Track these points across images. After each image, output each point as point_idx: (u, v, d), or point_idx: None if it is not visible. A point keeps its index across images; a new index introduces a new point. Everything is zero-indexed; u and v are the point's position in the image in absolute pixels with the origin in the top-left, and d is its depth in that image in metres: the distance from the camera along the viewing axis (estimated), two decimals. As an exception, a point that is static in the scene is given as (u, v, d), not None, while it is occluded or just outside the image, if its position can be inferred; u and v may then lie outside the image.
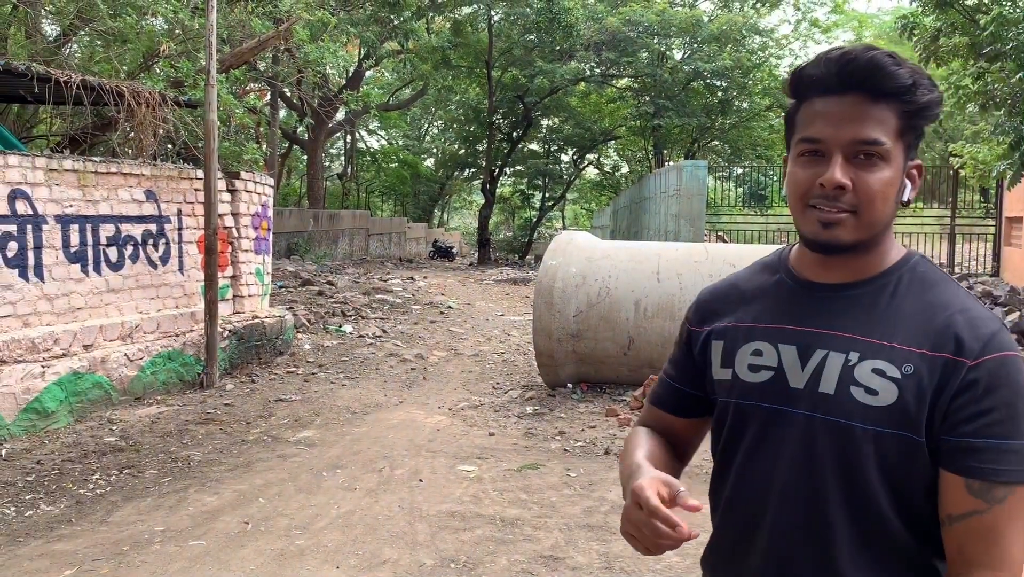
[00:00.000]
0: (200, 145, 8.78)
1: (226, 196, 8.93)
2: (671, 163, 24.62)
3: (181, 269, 8.34)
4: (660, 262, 7.50)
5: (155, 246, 7.99)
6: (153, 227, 7.96)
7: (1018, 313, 11.56)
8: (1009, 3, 11.84)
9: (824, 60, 1.30)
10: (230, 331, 8.66)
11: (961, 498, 1.23)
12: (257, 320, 9.16)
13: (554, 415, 7.24)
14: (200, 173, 8.36)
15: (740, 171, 28.76)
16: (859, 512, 1.29)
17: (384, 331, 11.38)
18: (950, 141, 30.12)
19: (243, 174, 9.19)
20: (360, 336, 10.87)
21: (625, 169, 43.27)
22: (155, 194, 7.96)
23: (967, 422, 1.22)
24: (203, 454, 6.15)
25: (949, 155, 27.98)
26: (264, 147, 11.89)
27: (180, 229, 8.32)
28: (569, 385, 7.88)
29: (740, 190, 29.73)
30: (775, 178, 27.75)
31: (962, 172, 17.77)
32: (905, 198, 1.33)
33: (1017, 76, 10.88)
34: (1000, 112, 11.03)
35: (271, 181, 10.02)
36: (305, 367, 9.21)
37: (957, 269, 18.20)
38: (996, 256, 17.62)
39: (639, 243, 8.69)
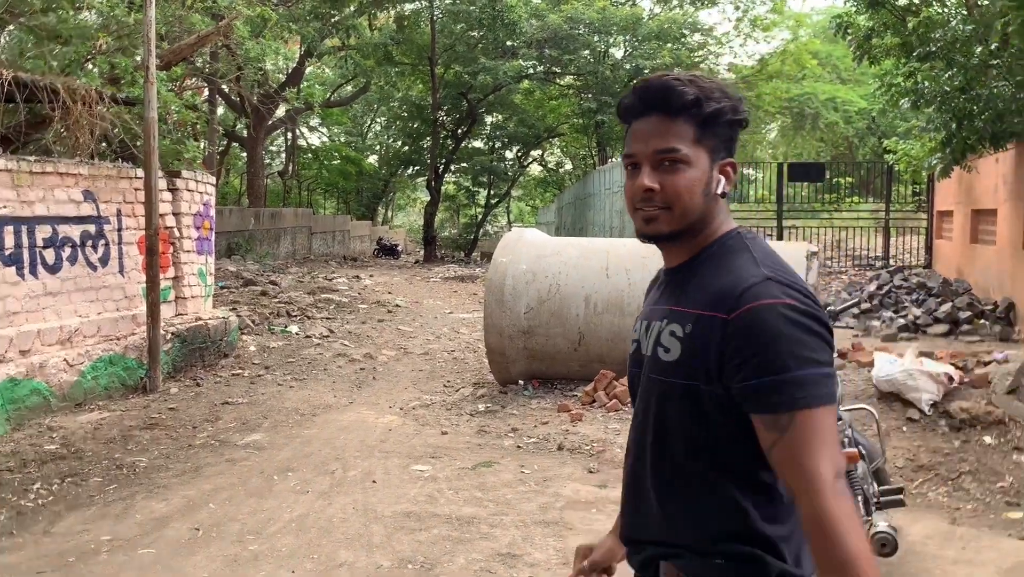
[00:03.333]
0: (139, 144, 8.57)
1: (167, 195, 8.74)
2: (615, 160, 24.82)
3: (121, 271, 8.13)
4: (609, 258, 7.55)
5: (94, 248, 7.78)
6: (92, 228, 7.74)
7: (951, 304, 11.94)
8: (937, 4, 12.22)
9: (633, 90, 1.58)
10: (173, 333, 8.48)
11: (763, 434, 1.39)
12: (200, 322, 8.98)
13: (506, 412, 7.25)
14: (140, 172, 8.16)
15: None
16: (663, 459, 1.52)
17: (331, 331, 11.25)
18: (883, 137, 30.97)
19: (184, 173, 8.99)
20: (307, 336, 10.73)
21: (569, 166, 43.50)
22: (93, 194, 7.74)
23: (738, 370, 1.39)
24: (149, 460, 6.01)
25: (884, 151, 28.81)
26: (204, 145, 11.64)
27: (120, 230, 8.11)
28: (521, 382, 7.90)
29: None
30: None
31: (896, 167, 18.30)
32: (720, 191, 1.54)
33: (946, 75, 11.24)
34: (931, 109, 11.36)
35: (212, 180, 9.83)
36: (251, 369, 9.06)
37: (892, 261, 18.73)
38: (928, 249, 18.17)
39: (588, 240, 8.75)
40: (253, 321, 11.27)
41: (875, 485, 3.94)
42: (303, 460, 6.00)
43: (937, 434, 5.63)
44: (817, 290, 7.19)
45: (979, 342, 10.44)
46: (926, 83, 11.99)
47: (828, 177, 20.33)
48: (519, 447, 6.29)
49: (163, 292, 8.51)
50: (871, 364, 6.46)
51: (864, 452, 3.83)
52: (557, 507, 5.00)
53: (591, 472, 5.65)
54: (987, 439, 5.45)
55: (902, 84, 13.15)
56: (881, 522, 3.53)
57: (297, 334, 10.86)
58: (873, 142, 32.14)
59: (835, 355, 1.51)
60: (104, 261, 7.90)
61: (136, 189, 8.25)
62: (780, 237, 18.54)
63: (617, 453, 5.99)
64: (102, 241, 7.87)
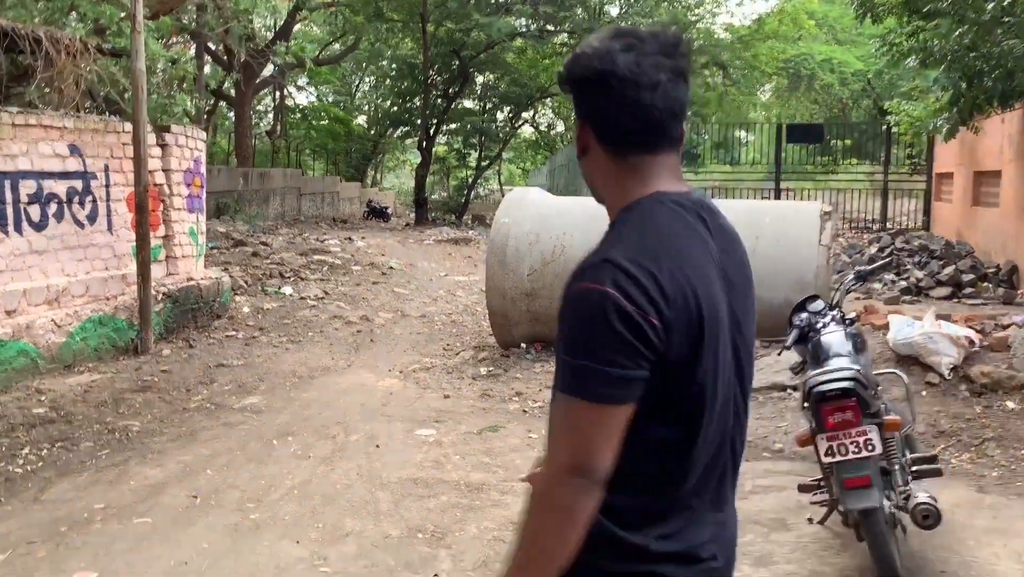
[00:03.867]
0: (127, 96, 8.24)
1: (156, 151, 8.43)
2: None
3: (110, 229, 7.85)
4: (615, 218, 7.32)
5: (81, 204, 7.49)
6: (79, 184, 7.44)
7: (953, 266, 11.79)
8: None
9: None
10: (164, 294, 8.22)
11: None
12: (192, 282, 8.72)
13: (510, 376, 7.06)
14: (128, 126, 7.84)
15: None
16: None
17: (326, 293, 11.01)
18: (879, 100, 30.67)
19: (174, 127, 8.67)
20: (301, 298, 10.49)
21: (561, 128, 42.99)
22: (79, 149, 7.43)
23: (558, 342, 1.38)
24: (142, 424, 5.80)
25: (881, 113, 28.50)
26: (193, 100, 11.29)
27: (108, 186, 7.81)
28: (523, 345, 7.71)
29: (674, 149, 29.73)
30: (707, 136, 27.85)
31: (895, 129, 18.05)
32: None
33: (955, 33, 10.96)
34: (940, 68, 11.09)
35: (203, 136, 9.51)
36: (245, 331, 8.83)
37: (889, 224, 18.57)
38: (927, 211, 18.01)
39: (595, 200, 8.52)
40: (246, 282, 11.01)
41: (907, 453, 3.78)
42: (303, 424, 5.81)
43: (958, 399, 5.48)
44: (832, 252, 7.00)
45: (982, 305, 10.31)
46: (935, 41, 11.73)
47: (826, 139, 20.04)
48: (524, 411, 6.11)
49: (153, 251, 8.23)
50: (886, 327, 6.29)
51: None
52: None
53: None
54: (1010, 404, 5.30)
55: (904, 43, 12.87)
56: (921, 493, 3.36)
57: (291, 296, 10.62)
58: (868, 104, 31.87)
59: (657, 342, 1.31)
60: (92, 218, 7.61)
61: (124, 144, 7.94)
62: (778, 198, 18.34)
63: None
64: (89, 198, 7.57)
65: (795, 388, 5.90)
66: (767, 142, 21.53)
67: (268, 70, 29.79)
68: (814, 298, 4.43)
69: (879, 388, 3.56)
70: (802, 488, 3.76)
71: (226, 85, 30.91)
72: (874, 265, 4.56)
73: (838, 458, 3.24)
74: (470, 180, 37.76)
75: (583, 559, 1.35)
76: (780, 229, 6.93)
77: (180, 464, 4.99)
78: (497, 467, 4.95)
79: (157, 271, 8.34)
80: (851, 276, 4.36)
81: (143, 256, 7.67)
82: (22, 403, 6.14)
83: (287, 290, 10.92)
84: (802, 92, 31.29)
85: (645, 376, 1.29)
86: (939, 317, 6.05)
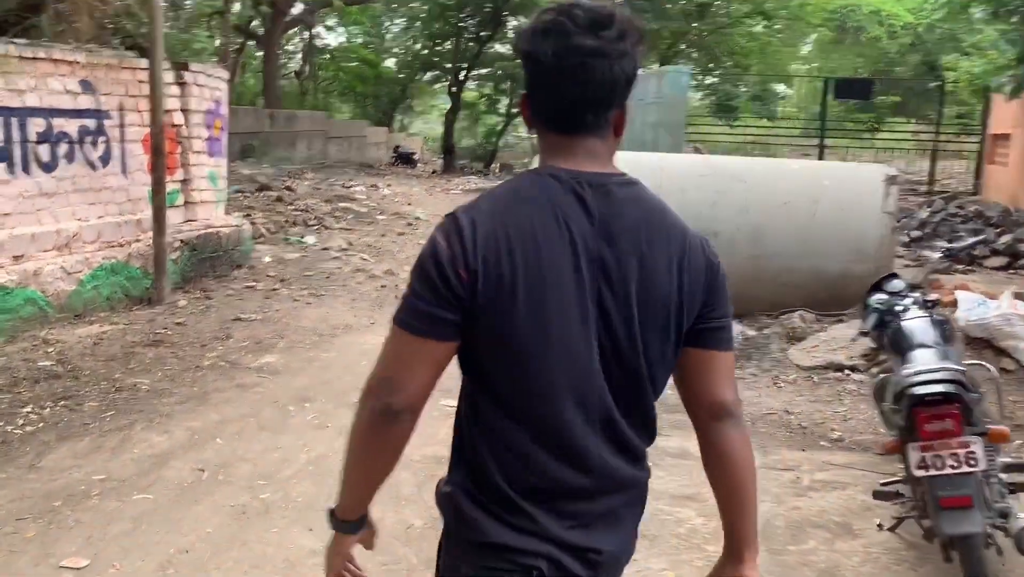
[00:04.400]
0: (144, 31, 7.77)
1: (175, 90, 7.99)
2: (649, 69, 23.66)
3: (124, 171, 7.46)
4: (663, 176, 6.80)
5: (94, 145, 7.09)
6: (91, 123, 7.03)
7: (1011, 235, 11.16)
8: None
9: None
10: (181, 241, 7.85)
11: None
12: (212, 229, 8.34)
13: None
14: (144, 62, 7.39)
15: (708, 81, 27.69)
16: None
17: (350, 243, 10.61)
18: (929, 54, 29.44)
19: (193, 65, 8.21)
20: (324, 249, 10.10)
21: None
22: (92, 85, 7.00)
23: None
24: (151, 382, 5.46)
25: (932, 68, 27.37)
26: (217, 40, 10.79)
27: (122, 126, 7.40)
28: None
29: (708, 100, 28.79)
30: (743, 88, 26.90)
31: (951, 86, 17.23)
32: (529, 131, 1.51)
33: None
34: (1014, 20, 10.32)
35: (225, 75, 9.04)
36: (265, 282, 8.46)
37: (937, 187, 17.80)
38: (978, 175, 17.22)
39: (635, 154, 7.97)
40: (268, 229, 10.64)
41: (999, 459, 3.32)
42: (321, 388, 5.44)
43: (1037, 389, 5.00)
44: (897, 217, 6.47)
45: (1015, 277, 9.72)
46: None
47: (874, 96, 19.19)
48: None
49: (170, 196, 7.85)
50: (952, 304, 5.78)
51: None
52: (608, 458, 4.42)
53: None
54: (1097, 396, 4.81)
55: None
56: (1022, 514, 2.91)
57: (314, 246, 10.23)
58: (916, 60, 30.65)
59: (462, 290, 1.35)
60: (105, 160, 7.21)
61: (140, 82, 7.50)
62: (821, 157, 17.61)
63: (669, 395, 5.36)
64: (102, 138, 7.17)
65: (855, 369, 5.45)
66: (808, 97, 20.70)
67: (297, 8, 29.15)
68: (892, 276, 3.95)
69: (982, 391, 3.10)
70: (878, 495, 3.32)
71: (254, 24, 30.30)
72: (967, 243, 4.05)
73: (933, 472, 2.80)
74: (500, 127, 37.05)
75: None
76: (840, 194, 6.41)
77: (188, 431, 4.64)
78: (529, 447, 4.56)
79: (174, 217, 7.96)
80: (938, 254, 3.85)
81: (159, 201, 7.29)
82: (28, 355, 5.82)
83: (310, 239, 10.54)
84: (848, 45, 30.06)
85: (450, 319, 1.38)
86: (1017, 296, 5.53)
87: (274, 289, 8.21)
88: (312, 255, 9.78)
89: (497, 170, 29.33)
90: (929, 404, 2.81)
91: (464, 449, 1.50)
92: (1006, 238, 11.06)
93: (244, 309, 7.38)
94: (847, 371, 5.44)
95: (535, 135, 1.50)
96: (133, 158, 7.53)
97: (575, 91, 1.40)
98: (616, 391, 1.46)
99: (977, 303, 5.39)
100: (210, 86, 8.51)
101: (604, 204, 1.42)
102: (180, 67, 8.10)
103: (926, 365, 2.96)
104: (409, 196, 17.41)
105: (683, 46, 28.32)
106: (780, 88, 26.78)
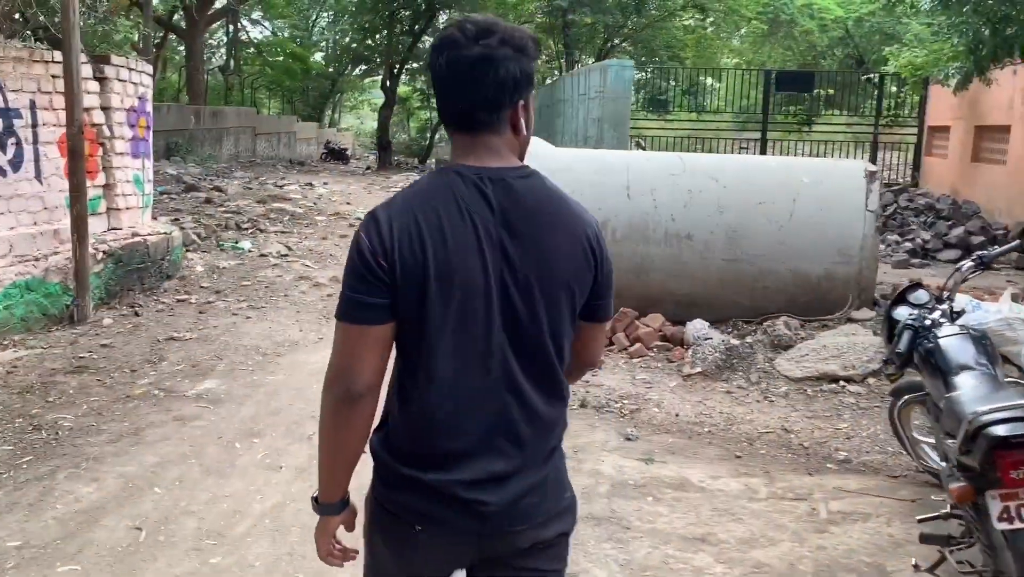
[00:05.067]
0: (58, 20, 7.03)
1: (94, 85, 7.26)
2: (590, 63, 23.35)
3: (39, 177, 6.72)
4: (630, 175, 6.40)
5: (2, 148, 6.34)
6: (-2, 123, 6.29)
7: (962, 228, 11.12)
8: None
9: None
10: (105, 252, 7.14)
11: None
12: (138, 238, 7.63)
13: (507, 355, 6.18)
14: (58, 55, 6.67)
15: (638, 75, 27.50)
16: None
17: (289, 248, 9.96)
18: (857, 48, 29.84)
19: (114, 58, 7.48)
20: (262, 255, 9.43)
21: (527, 70, 41.48)
22: (-2, 81, 6.26)
23: None
24: (75, 418, 4.81)
25: (860, 62, 27.70)
26: (138, 28, 10.01)
27: (35, 126, 6.66)
28: (519, 317, 6.80)
29: (639, 95, 28.62)
30: (673, 83, 26.76)
31: (884, 78, 17.29)
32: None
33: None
34: (964, 10, 10.20)
35: (149, 69, 8.31)
36: (199, 294, 7.79)
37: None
38: (916, 166, 17.34)
39: (603, 152, 7.57)
40: (199, 235, 9.91)
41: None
42: (270, 419, 4.88)
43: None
44: (880, 217, 6.18)
45: (995, 271, 9.66)
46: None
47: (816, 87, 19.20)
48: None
49: (92, 202, 7.14)
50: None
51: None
52: (602, 493, 3.97)
53: (629, 439, 4.62)
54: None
55: None
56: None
57: (251, 252, 9.56)
58: (842, 53, 31.04)
59: (385, 277, 1.53)
60: (16, 165, 6.47)
61: (54, 76, 6.76)
62: (764, 151, 17.51)
63: (655, 413, 4.99)
64: (12, 140, 6.42)
65: (850, 380, 5.11)
66: (737, 90, 20.62)
67: (220, 2, 28.03)
68: (916, 287, 3.58)
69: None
70: (927, 539, 2.93)
71: (175, 17, 29.04)
72: (1000, 249, 3.71)
73: (1018, 525, 2.41)
74: (433, 123, 36.42)
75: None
76: (819, 191, 6.08)
77: (121, 479, 4.03)
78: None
79: (96, 225, 7.25)
80: (969, 261, 3.50)
81: (78, 209, 6.58)
82: (-72, 389, 5.11)
83: (245, 245, 9.86)
84: (780, 38, 30.29)
85: (381, 303, 1.56)
86: (1013, 298, 5.27)
87: (209, 302, 7.55)
88: (249, 262, 9.12)
89: (433, 165, 28.73)
90: (1014, 446, 2.43)
91: (386, 412, 1.68)
92: (957, 230, 11.02)
93: (177, 326, 6.73)
94: (842, 382, 5.11)
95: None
96: (48, 161, 6.79)
97: (467, 94, 1.58)
98: (521, 359, 1.62)
99: (973, 306, 5.11)
100: (133, 81, 7.79)
101: (503, 195, 1.59)
102: (100, 60, 7.37)
103: (1006, 400, 2.58)
104: (347, 195, 16.72)
105: (618, 40, 28.14)
106: (709, 82, 26.76)
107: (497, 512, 1.61)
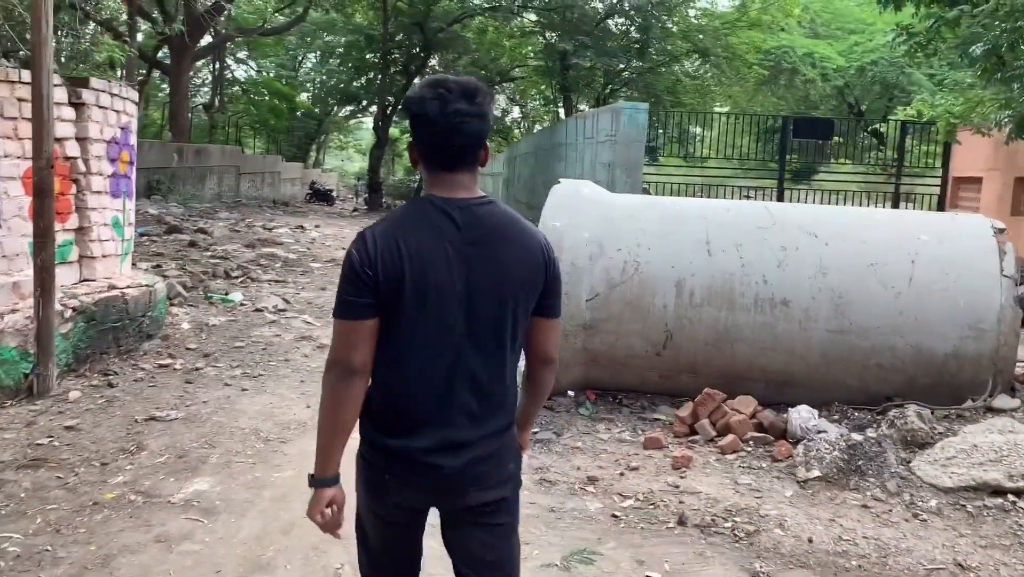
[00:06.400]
0: (29, 36, 5.96)
1: (68, 112, 6.19)
2: (585, 108, 22.57)
3: (-4, 218, 5.60)
4: (708, 227, 5.38)
5: (-48, 183, 5.23)
6: (-52, 153, 5.18)
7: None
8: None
9: None
10: (75, 309, 6.00)
11: None
12: (115, 291, 6.49)
13: (567, 443, 5.06)
14: (27, 75, 5.59)
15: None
16: None
17: (287, 301, 8.84)
18: (850, 95, 29.37)
19: (94, 82, 6.41)
20: (256, 310, 8.30)
21: (516, 114, 40.87)
22: (-50, 102, 5.17)
23: None
24: (25, 538, 3.65)
25: (855, 111, 27.19)
26: (123, 50, 8.95)
27: (-6, 158, 5.56)
28: (570, 393, 5.72)
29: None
30: (660, 130, 26.05)
31: (908, 126, 16.55)
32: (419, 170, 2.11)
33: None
34: (982, 60, 9.36)
35: (135, 95, 7.23)
36: (185, 358, 6.64)
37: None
38: (940, 219, 16.54)
39: (672, 199, 6.59)
40: (184, 285, 8.76)
41: None
42: (282, 541, 3.73)
43: None
44: (1017, 281, 5.17)
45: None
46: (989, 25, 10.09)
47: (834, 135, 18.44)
48: (616, 517, 4.11)
49: (61, 249, 6.03)
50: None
51: None
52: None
53: (759, 577, 3.51)
54: None
55: (940, 31, 11.22)
56: None
57: (243, 305, 8.43)
58: (833, 103, 30.58)
59: (370, 283, 1.96)
60: (-32, 203, 5.36)
61: (20, 100, 5.69)
62: (781, 198, 16.67)
63: (779, 537, 3.88)
64: (-35, 174, 5.32)
65: (1020, 494, 4.04)
66: (722, 137, 19.84)
67: (206, 40, 27.11)
68: None
69: None
70: None
71: (160, 54, 28.09)
72: None
73: None
74: (423, 165, 35.54)
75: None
76: (942, 250, 5.09)
77: (81, 647, 2.87)
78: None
79: (65, 276, 6.13)
80: None
81: (44, 257, 5.46)
82: None
83: (236, 297, 8.72)
84: (774, 87, 29.82)
85: (368, 303, 1.95)
86: None
87: (197, 368, 6.40)
88: (242, 318, 7.98)
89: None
90: None
91: (369, 391, 2.05)
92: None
93: (160, 402, 5.57)
94: (1011, 496, 4.04)
95: (421, 172, 2.08)
96: (9, 200, 5.68)
97: (455, 141, 1.98)
98: (481, 354, 2.01)
99: None
100: (115, 108, 6.71)
101: (468, 218, 1.99)
102: (76, 83, 6.30)
103: None
104: (340, 239, 15.65)
105: (617, 86, 27.48)
106: (695, 129, 26.13)
107: (450, 474, 2.02)
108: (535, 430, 5.27)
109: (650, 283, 5.31)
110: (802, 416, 4.77)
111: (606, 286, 5.36)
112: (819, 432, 4.60)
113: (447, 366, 1.98)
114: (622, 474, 4.58)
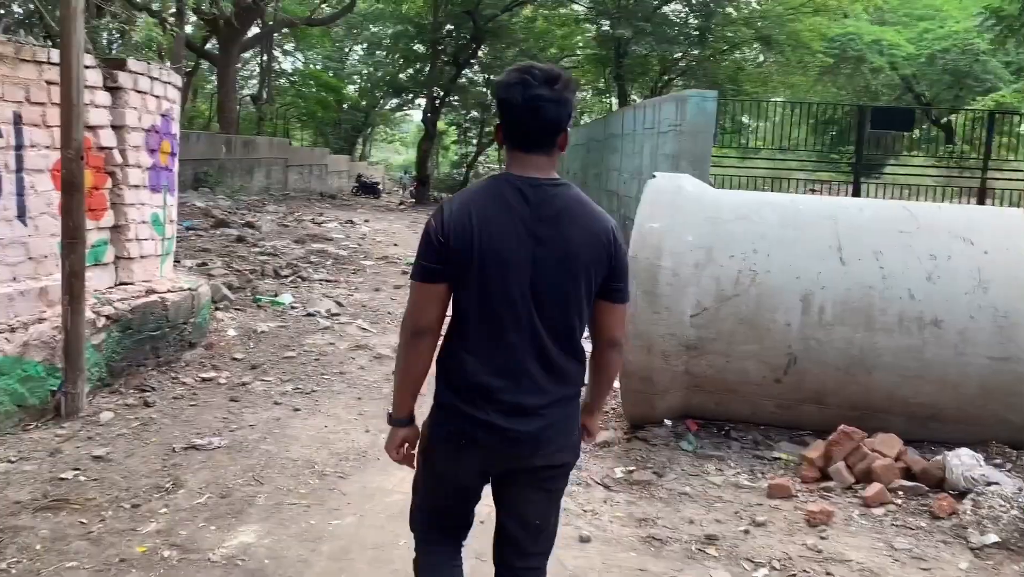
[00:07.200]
0: (54, 9, 5.33)
1: (103, 97, 5.56)
2: (651, 97, 21.65)
3: (22, 216, 4.99)
4: (840, 230, 4.56)
5: (-29, 176, 4.62)
6: (-34, 143, 4.57)
7: None
8: None
9: None
10: (109, 317, 5.37)
11: None
12: (154, 296, 5.86)
13: (670, 486, 4.29)
14: (55, 55, 4.97)
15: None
16: None
17: (340, 304, 8.18)
18: (921, 87, 27.98)
19: (132, 63, 5.77)
20: (308, 314, 7.64)
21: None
22: (-31, 85, 4.55)
23: None
24: (36, 610, 2.99)
25: (921, 101, 25.85)
26: (166, 29, 8.33)
27: (19, 148, 4.94)
28: (667, 422, 4.94)
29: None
30: (748, 120, 24.98)
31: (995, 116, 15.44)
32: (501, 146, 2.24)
33: None
34: None
35: (178, 80, 6.59)
36: (231, 370, 6.00)
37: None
38: (1030, 216, 15.38)
39: (792, 196, 5.78)
40: (230, 286, 8.14)
41: None
42: (346, 617, 3.02)
43: None
44: None
45: None
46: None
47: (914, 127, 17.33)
48: (752, 590, 3.34)
49: (95, 251, 5.42)
50: None
51: None
52: None
53: None
54: None
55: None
56: None
57: (293, 308, 7.78)
58: (900, 92, 29.15)
59: (442, 250, 2.11)
60: (-10, 199, 4.74)
61: (49, 83, 5.06)
62: (857, 193, 15.67)
63: None
64: (-14, 166, 4.70)
65: None
66: (779, 127, 18.79)
67: (253, 31, 26.71)
68: None
69: None
70: None
71: (208, 46, 27.78)
72: None
73: None
74: (470, 157, 34.93)
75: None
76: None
77: None
78: None
79: (100, 279, 5.52)
80: None
81: (73, 260, 4.84)
82: None
83: (286, 299, 8.09)
84: (846, 75, 28.52)
85: (441, 269, 2.10)
86: None
87: (244, 383, 5.74)
88: (292, 324, 7.32)
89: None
90: None
91: (443, 358, 2.21)
92: None
93: (201, 425, 4.92)
94: None
95: (504, 150, 2.19)
96: (36, 195, 5.06)
97: (535, 124, 2.10)
98: (547, 325, 2.13)
99: None
100: (156, 93, 6.07)
101: (539, 197, 2.11)
102: (113, 65, 5.67)
103: None
104: (391, 234, 15.01)
105: (673, 75, 26.49)
106: (746, 119, 25.02)
107: (523, 438, 2.14)
108: (631, 468, 4.51)
109: (770, 296, 4.51)
110: (964, 462, 3.94)
111: (715, 299, 4.57)
112: (989, 483, 3.78)
113: (515, 335, 2.11)
114: (746, 531, 3.80)
